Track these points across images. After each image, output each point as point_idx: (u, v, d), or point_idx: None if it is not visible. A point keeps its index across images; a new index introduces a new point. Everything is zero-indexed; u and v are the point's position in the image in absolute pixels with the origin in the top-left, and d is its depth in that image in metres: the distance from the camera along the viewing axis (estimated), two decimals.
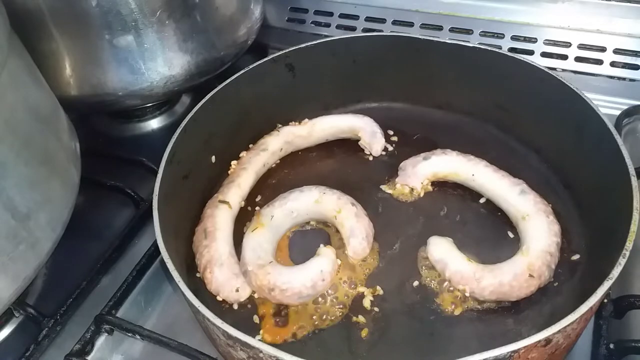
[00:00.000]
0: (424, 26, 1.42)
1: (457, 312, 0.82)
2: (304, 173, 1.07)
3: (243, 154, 1.06)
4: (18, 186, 0.74)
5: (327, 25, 1.51)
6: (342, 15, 1.51)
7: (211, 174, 1.03)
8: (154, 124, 1.29)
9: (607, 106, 1.15)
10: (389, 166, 1.05)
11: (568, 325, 0.63)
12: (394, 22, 1.46)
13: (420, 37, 1.09)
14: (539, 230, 0.86)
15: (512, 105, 1.07)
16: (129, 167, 1.12)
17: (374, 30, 1.44)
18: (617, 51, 1.27)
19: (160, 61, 1.07)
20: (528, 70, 1.00)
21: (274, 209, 0.94)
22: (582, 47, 1.30)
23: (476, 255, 0.87)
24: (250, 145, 1.08)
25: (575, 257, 0.87)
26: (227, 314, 0.84)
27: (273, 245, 0.91)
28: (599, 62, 1.28)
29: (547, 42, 1.33)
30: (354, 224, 0.90)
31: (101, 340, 0.86)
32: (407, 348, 0.80)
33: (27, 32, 0.89)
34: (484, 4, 1.39)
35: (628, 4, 1.27)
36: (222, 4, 1.16)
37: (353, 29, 1.48)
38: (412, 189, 1.00)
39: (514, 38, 1.36)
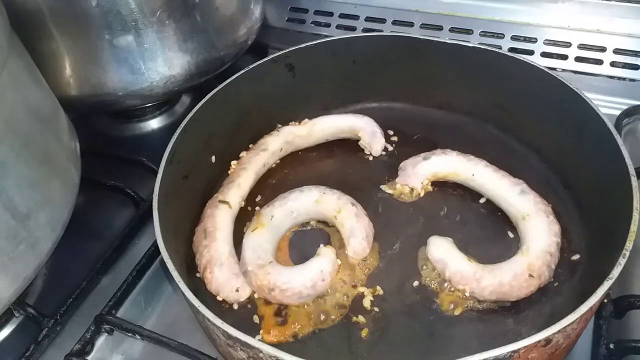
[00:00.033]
0: (424, 26, 1.42)
1: (457, 312, 0.82)
2: (304, 173, 1.07)
3: (243, 154, 1.06)
4: (18, 186, 0.74)
5: (327, 25, 1.51)
6: (342, 15, 1.51)
7: (211, 174, 1.03)
8: (154, 124, 1.29)
9: (607, 106, 1.15)
10: (389, 166, 1.05)
11: (568, 325, 0.63)
12: (394, 22, 1.46)
13: (420, 37, 1.09)
14: (539, 230, 0.86)
15: (512, 105, 1.07)
16: (129, 167, 1.12)
17: (374, 30, 1.44)
18: (617, 51, 1.27)
19: (160, 61, 1.07)
20: (528, 70, 1.00)
21: (274, 209, 0.94)
22: (582, 47, 1.30)
23: (476, 255, 0.87)
24: (250, 145, 1.08)
25: (575, 257, 0.87)
26: (227, 314, 0.84)
27: (273, 245, 0.91)
28: (599, 62, 1.28)
29: (547, 42, 1.33)
30: (354, 224, 0.90)
31: (101, 340, 0.86)
32: (407, 348, 0.80)
33: (27, 32, 0.89)
34: (484, 4, 1.39)
35: (628, 4, 1.27)
36: (222, 4, 1.17)
37: (353, 29, 1.48)
38: (412, 189, 1.00)
39: (514, 38, 1.36)
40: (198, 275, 0.88)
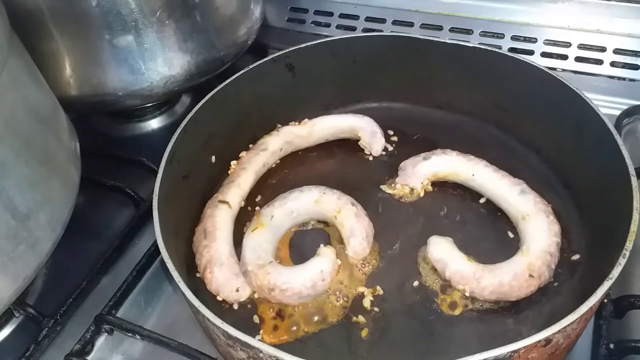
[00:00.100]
0: (424, 26, 1.42)
1: (457, 312, 0.83)
2: (304, 173, 1.07)
3: (243, 154, 1.06)
4: (18, 186, 0.74)
5: (327, 25, 1.51)
6: (342, 15, 1.51)
7: (211, 174, 1.03)
8: (154, 124, 1.29)
9: (607, 106, 1.15)
10: (389, 166, 1.05)
11: (568, 325, 0.63)
12: (394, 22, 1.46)
13: (420, 37, 1.09)
14: (539, 230, 0.86)
15: (512, 105, 1.07)
16: (129, 167, 1.12)
17: (374, 30, 1.44)
18: (617, 51, 1.27)
19: (160, 61, 1.07)
20: (528, 70, 1.00)
21: (274, 209, 0.94)
22: (582, 47, 1.30)
23: (476, 255, 0.87)
24: (250, 145, 1.08)
25: (575, 257, 0.87)
26: (227, 314, 0.84)
27: (273, 245, 0.91)
28: (599, 62, 1.28)
29: (547, 42, 1.33)
30: (354, 224, 0.90)
31: (101, 340, 0.86)
32: (407, 348, 0.80)
33: (27, 32, 0.89)
34: (484, 4, 1.39)
35: (628, 4, 1.27)
36: (222, 4, 1.17)
37: (353, 29, 1.48)
38: (412, 189, 1.00)
39: (514, 38, 1.35)
40: (198, 275, 0.88)
